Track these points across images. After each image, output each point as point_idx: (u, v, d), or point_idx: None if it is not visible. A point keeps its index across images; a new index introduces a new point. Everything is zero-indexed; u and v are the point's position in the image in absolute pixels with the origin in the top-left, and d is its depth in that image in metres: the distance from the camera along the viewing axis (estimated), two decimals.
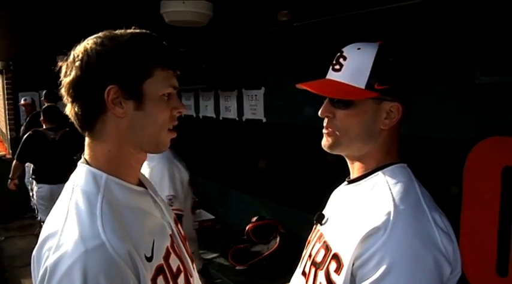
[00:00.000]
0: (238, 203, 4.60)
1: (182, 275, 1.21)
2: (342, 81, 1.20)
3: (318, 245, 1.27)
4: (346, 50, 1.22)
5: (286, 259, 3.37)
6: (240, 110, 4.47)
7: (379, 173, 1.19)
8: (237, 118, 4.53)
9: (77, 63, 1.08)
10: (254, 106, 4.25)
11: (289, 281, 1.46)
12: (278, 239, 3.54)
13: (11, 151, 8.38)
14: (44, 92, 7.14)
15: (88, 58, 1.08)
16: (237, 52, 4.38)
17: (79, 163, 1.15)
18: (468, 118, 2.37)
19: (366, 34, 2.65)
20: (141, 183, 1.25)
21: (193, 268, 1.31)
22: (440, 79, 2.45)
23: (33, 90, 8.22)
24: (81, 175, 1.12)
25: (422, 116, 2.28)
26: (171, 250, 1.19)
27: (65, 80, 1.11)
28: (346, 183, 1.32)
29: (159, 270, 1.11)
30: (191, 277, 1.27)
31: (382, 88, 1.16)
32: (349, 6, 2.90)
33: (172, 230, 1.26)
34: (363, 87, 1.16)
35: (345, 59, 1.21)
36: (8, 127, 8.90)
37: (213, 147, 5.10)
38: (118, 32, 1.14)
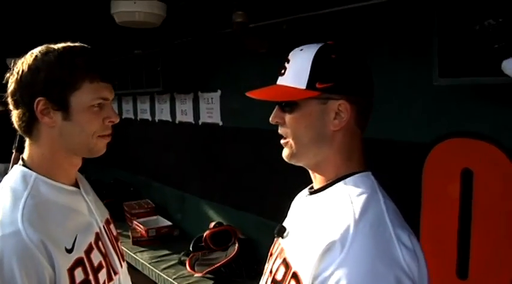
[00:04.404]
0: (196, 209, 4.49)
1: (104, 270, 1.33)
2: (286, 84, 1.15)
3: (278, 262, 1.20)
4: (291, 54, 1.18)
5: (245, 265, 3.31)
6: (197, 114, 4.37)
7: (340, 183, 1.13)
8: (194, 122, 4.43)
9: (15, 77, 1.24)
10: (210, 110, 4.15)
11: None
12: (236, 245, 3.46)
13: None
14: None
15: (22, 72, 1.23)
16: (192, 54, 4.28)
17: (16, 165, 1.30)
18: (426, 121, 2.35)
19: (323, 35, 2.61)
20: (77, 182, 1.39)
21: (121, 266, 1.44)
22: (398, 81, 2.43)
23: None
24: (13, 174, 1.27)
25: (379, 119, 2.26)
26: (94, 246, 1.32)
27: (8, 91, 1.27)
28: (307, 193, 1.26)
29: (78, 262, 1.23)
30: (115, 274, 1.39)
31: (325, 87, 1.10)
32: (306, 7, 2.86)
33: (100, 228, 1.39)
34: (304, 87, 1.11)
35: (288, 62, 1.17)
36: None
37: (169, 152, 4.97)
38: (54, 46, 1.26)
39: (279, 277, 1.15)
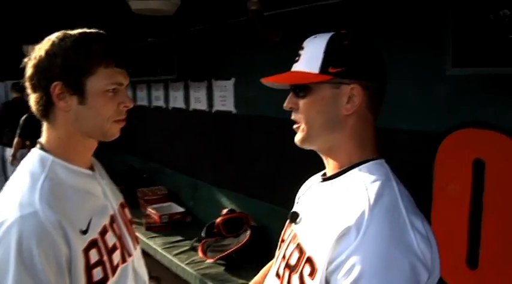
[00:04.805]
0: (208, 196, 4.53)
1: (118, 252, 1.37)
2: (299, 70, 1.18)
3: (291, 247, 1.22)
4: (305, 41, 1.21)
5: (256, 252, 3.33)
6: (210, 101, 4.40)
7: (355, 170, 1.15)
8: (207, 110, 4.46)
9: (32, 61, 1.27)
10: (224, 98, 4.18)
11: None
12: (248, 232, 3.50)
13: None
14: (12, 83, 7.27)
15: (39, 57, 1.26)
16: (207, 42, 4.30)
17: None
18: (439, 111, 2.35)
19: (337, 24, 2.61)
20: (92, 166, 1.43)
21: (135, 249, 1.48)
22: (411, 71, 2.43)
23: None
24: (31, 158, 1.30)
25: (393, 108, 2.26)
26: (108, 228, 1.36)
27: (26, 75, 1.29)
28: (321, 179, 1.28)
29: (93, 243, 1.27)
30: (129, 256, 1.43)
31: (337, 71, 1.13)
32: None
33: (114, 211, 1.43)
34: (317, 71, 1.13)
35: (302, 49, 1.20)
36: None
37: (182, 139, 5.01)
38: (71, 32, 1.29)
39: (292, 262, 1.17)
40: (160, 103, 5.42)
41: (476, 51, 1.96)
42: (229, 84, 4.06)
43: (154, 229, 4.37)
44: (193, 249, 3.80)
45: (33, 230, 1.13)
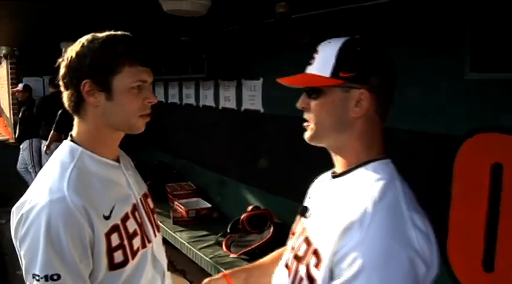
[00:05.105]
0: (235, 192, 4.64)
1: (138, 237, 1.46)
2: (313, 73, 1.24)
3: (300, 239, 1.30)
4: (320, 45, 1.27)
5: (278, 248, 3.39)
6: (239, 100, 4.50)
7: (362, 169, 1.22)
8: (236, 108, 4.56)
9: (65, 62, 1.40)
10: (253, 97, 4.27)
11: None
12: (272, 229, 3.57)
13: (14, 136, 8.45)
14: (49, 78, 7.42)
15: (71, 58, 1.38)
16: (237, 42, 4.39)
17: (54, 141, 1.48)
18: (459, 115, 2.38)
19: (362, 27, 2.66)
20: (118, 158, 1.53)
21: (155, 236, 1.57)
22: (431, 74, 2.47)
23: (37, 76, 8.32)
24: (62, 148, 1.43)
25: (412, 111, 2.30)
26: (130, 215, 1.45)
27: (59, 74, 1.42)
28: (330, 176, 1.35)
29: (115, 228, 1.37)
30: (149, 242, 1.52)
31: (348, 76, 1.19)
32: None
33: (136, 200, 1.53)
34: (328, 75, 1.20)
35: (317, 52, 1.26)
36: (11, 112, 8.97)
37: (211, 136, 5.12)
38: (99, 35, 1.40)
39: (300, 253, 1.26)
40: (191, 101, 5.54)
41: (494, 56, 1.99)
42: (258, 83, 4.15)
43: (181, 223, 4.50)
44: (218, 244, 3.90)
45: (61, 213, 1.25)
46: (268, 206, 4.00)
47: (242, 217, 3.88)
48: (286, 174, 3.80)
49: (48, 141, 6.33)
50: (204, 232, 4.24)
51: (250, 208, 4.00)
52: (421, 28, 2.52)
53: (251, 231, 3.79)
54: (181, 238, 4.17)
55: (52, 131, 6.20)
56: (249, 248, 3.55)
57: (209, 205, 4.73)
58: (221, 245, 3.82)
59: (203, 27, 4.25)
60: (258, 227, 3.79)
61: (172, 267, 4.26)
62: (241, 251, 3.56)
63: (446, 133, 2.43)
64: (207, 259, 3.67)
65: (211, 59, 4.55)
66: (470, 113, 2.32)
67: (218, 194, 4.98)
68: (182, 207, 4.61)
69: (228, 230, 3.98)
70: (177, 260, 4.32)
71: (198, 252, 3.84)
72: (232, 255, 3.60)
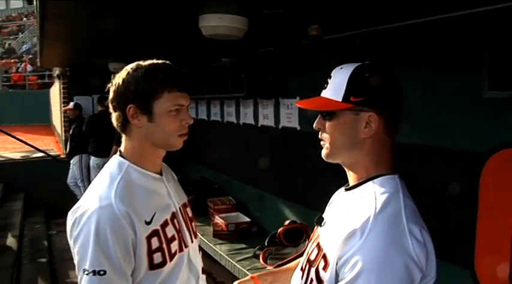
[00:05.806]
0: (273, 207, 4.78)
1: (176, 242, 1.62)
2: (327, 96, 1.38)
3: (314, 245, 1.45)
4: (333, 71, 1.41)
5: None
6: (277, 118, 4.66)
7: (370, 183, 1.34)
8: (274, 126, 4.72)
9: (113, 88, 1.60)
10: (290, 115, 4.42)
11: None
12: (307, 242, 3.67)
13: (65, 151, 8.87)
14: (98, 97, 7.87)
15: (118, 84, 1.58)
16: (274, 62, 4.56)
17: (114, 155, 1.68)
18: (481, 132, 2.45)
19: (390, 48, 2.78)
20: (161, 171, 1.71)
21: (192, 242, 1.72)
22: (454, 93, 2.54)
23: (87, 94, 8.77)
24: (112, 162, 1.63)
25: (436, 128, 2.36)
26: (169, 222, 1.62)
27: (109, 98, 1.62)
28: (344, 189, 1.49)
29: (155, 233, 1.54)
30: (186, 247, 1.67)
31: (358, 101, 1.32)
32: (377, 21, 3.02)
33: (176, 209, 1.69)
34: (340, 100, 1.33)
35: (330, 78, 1.40)
36: (63, 129, 9.43)
37: (251, 153, 5.29)
38: (142, 63, 1.59)
39: (312, 257, 1.41)
40: (232, 119, 5.75)
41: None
42: (295, 102, 4.29)
43: (221, 236, 4.68)
44: (256, 256, 4.05)
45: (108, 218, 1.43)
46: (304, 220, 4.11)
47: (279, 231, 4.01)
48: (322, 190, 3.87)
49: (111, 154, 6.59)
50: (243, 245, 4.41)
51: (287, 222, 4.12)
52: (443, 47, 2.60)
53: (287, 244, 3.92)
54: (221, 250, 4.34)
55: (114, 146, 6.50)
56: (285, 260, 3.64)
57: (248, 219, 4.89)
58: (258, 258, 3.96)
59: (242, 48, 4.43)
60: (294, 240, 3.92)
61: (212, 279, 4.43)
62: (277, 264, 3.66)
63: (470, 149, 2.50)
64: (245, 270, 3.81)
65: (250, 78, 4.72)
66: (491, 131, 2.39)
67: (258, 209, 5.14)
68: (222, 221, 4.78)
69: (266, 243, 4.11)
70: (216, 273, 4.48)
71: (236, 264, 3.99)
72: (268, 267, 3.72)
